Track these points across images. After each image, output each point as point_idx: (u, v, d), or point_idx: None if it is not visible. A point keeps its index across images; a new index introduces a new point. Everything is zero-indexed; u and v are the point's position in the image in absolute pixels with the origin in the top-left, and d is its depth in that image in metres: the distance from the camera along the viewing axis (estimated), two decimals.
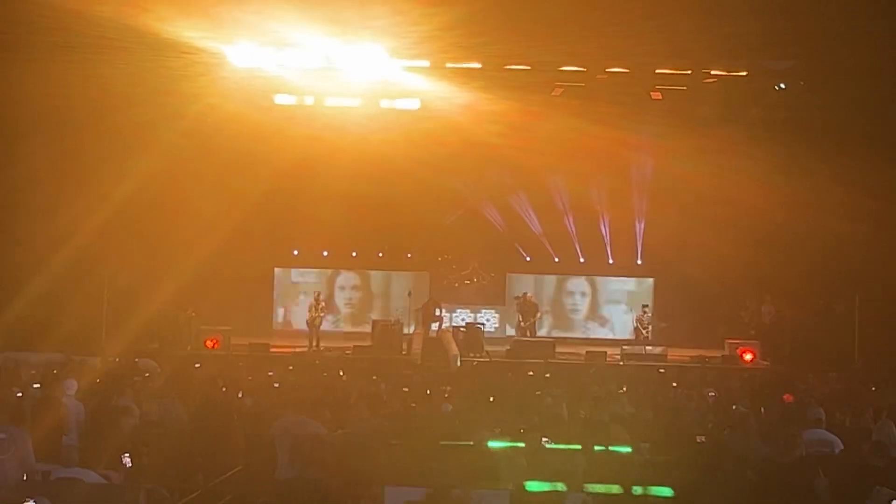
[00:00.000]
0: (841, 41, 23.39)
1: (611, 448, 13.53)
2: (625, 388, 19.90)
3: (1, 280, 25.78)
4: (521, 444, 13.62)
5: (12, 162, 25.58)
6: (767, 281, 30.56)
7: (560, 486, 11.49)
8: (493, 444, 13.75)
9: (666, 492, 11.56)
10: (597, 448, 13.33)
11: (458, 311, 33.75)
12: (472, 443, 13.79)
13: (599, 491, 11.64)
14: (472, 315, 33.61)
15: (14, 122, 25.44)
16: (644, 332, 31.12)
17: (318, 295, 31.63)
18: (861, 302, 28.29)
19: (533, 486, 11.52)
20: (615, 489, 11.63)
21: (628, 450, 13.65)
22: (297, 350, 29.12)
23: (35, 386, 17.28)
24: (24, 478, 11.60)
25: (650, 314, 31.53)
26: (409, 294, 32.58)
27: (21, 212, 26.55)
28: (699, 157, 28.76)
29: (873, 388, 20.80)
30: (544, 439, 13.56)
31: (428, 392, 18.59)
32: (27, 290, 24.59)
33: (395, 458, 12.62)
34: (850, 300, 28.49)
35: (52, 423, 13.36)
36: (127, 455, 12.40)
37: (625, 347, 29.89)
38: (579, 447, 13.43)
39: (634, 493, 11.53)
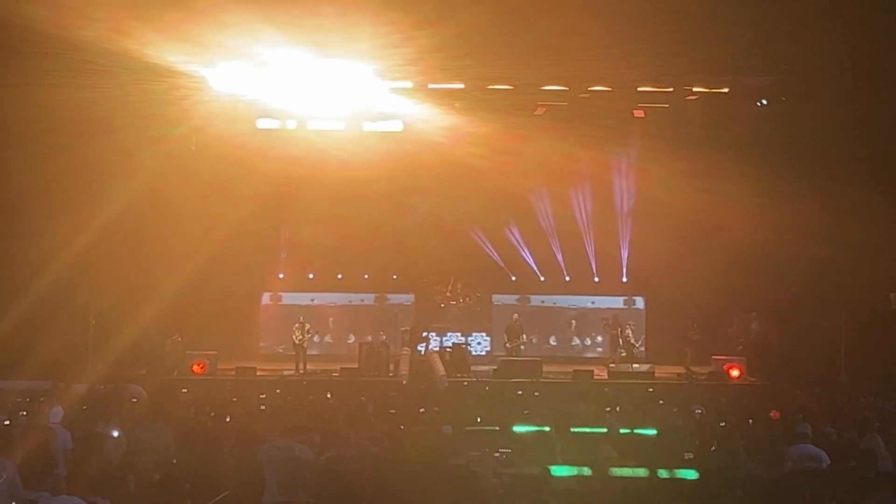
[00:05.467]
0: (821, 59, 23.52)
1: (636, 431, 13.55)
2: (617, 408, 19.79)
3: None
4: (547, 429, 13.63)
5: None
6: (753, 300, 30.61)
7: (586, 471, 11.49)
8: (518, 428, 13.73)
9: (691, 474, 11.56)
10: (622, 431, 13.34)
11: (449, 334, 33.69)
12: (497, 428, 13.76)
13: (625, 475, 11.65)
14: (462, 338, 33.54)
15: None
16: (621, 351, 30.97)
17: (304, 318, 31.61)
18: (847, 318, 28.35)
19: (559, 470, 11.52)
20: (641, 472, 11.62)
21: (653, 432, 13.66)
22: (285, 373, 29.05)
23: (22, 414, 17.20)
24: None
25: (632, 332, 31.45)
26: (395, 316, 32.62)
27: (3, 236, 26.47)
28: (683, 181, 28.89)
29: (860, 403, 20.83)
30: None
31: (421, 410, 18.58)
32: (10, 315, 24.47)
33: (385, 481, 12.60)
34: (836, 316, 28.55)
35: (39, 451, 13.31)
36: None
37: (612, 366, 29.93)
38: (605, 430, 13.43)
39: (660, 476, 11.52)
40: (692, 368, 29.42)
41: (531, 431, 13.83)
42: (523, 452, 12.81)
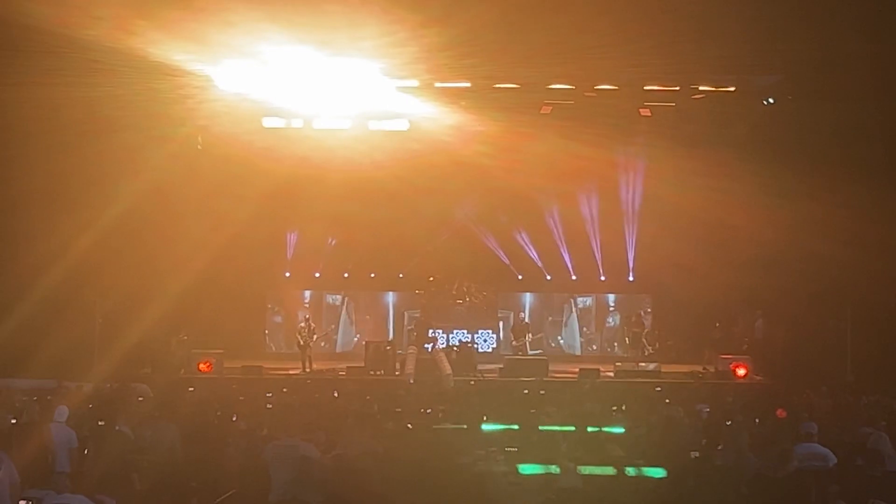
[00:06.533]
0: (827, 58, 23.49)
1: (604, 429, 13.52)
2: (623, 407, 19.74)
3: None
4: (515, 427, 13.60)
5: (1, 185, 25.51)
6: (759, 299, 30.56)
7: (553, 469, 11.46)
8: (486, 427, 13.70)
9: (659, 472, 11.53)
10: (590, 429, 13.31)
11: (456, 331, 33.70)
12: (465, 426, 13.71)
13: (593, 472, 11.61)
14: (468, 335, 33.57)
15: (2, 145, 25.39)
16: (650, 348, 30.97)
17: (310, 317, 31.62)
18: (853, 316, 28.28)
19: (526, 468, 11.49)
20: (609, 470, 11.60)
21: (621, 430, 13.63)
22: (291, 372, 29.02)
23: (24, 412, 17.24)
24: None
25: (656, 330, 31.39)
26: (403, 314, 32.63)
27: (10, 235, 26.46)
28: (689, 179, 28.85)
29: (865, 402, 20.79)
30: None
31: (428, 411, 18.54)
32: (16, 314, 24.48)
33: (390, 479, 12.58)
34: (843, 315, 28.48)
35: (41, 449, 13.34)
36: None
37: (618, 364, 29.87)
38: (573, 428, 13.39)
39: (628, 473, 11.49)
40: (709, 368, 29.29)
41: (498, 430, 13.80)
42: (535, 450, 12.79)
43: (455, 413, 18.08)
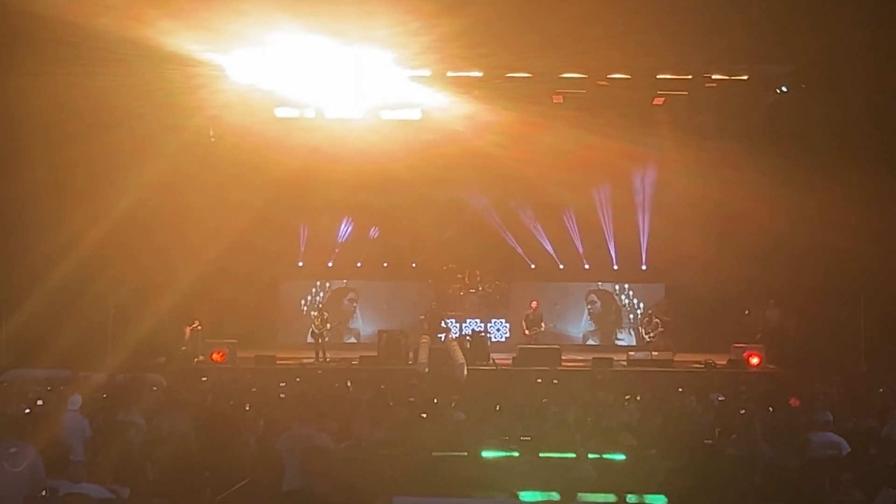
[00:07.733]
0: (841, 47, 23.38)
1: (605, 456, 13.46)
2: (637, 397, 19.68)
3: (3, 295, 25.76)
4: (516, 454, 13.54)
5: (13, 175, 25.52)
6: (772, 289, 30.48)
7: (554, 496, 11.43)
8: (486, 453, 13.64)
9: (660, 500, 11.49)
10: (591, 456, 13.24)
11: (469, 321, 33.75)
12: (465, 453, 13.70)
13: (593, 500, 11.58)
14: (481, 325, 33.62)
15: (14, 136, 25.40)
16: (646, 337, 30.92)
17: (323, 306, 31.64)
18: (866, 306, 28.22)
19: (527, 495, 11.45)
20: (610, 498, 11.56)
21: (622, 457, 13.57)
22: (304, 362, 29.04)
23: (40, 402, 17.27)
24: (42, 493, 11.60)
25: (654, 319, 31.24)
26: (415, 304, 32.65)
27: (22, 225, 26.49)
28: (702, 169, 28.80)
29: (880, 391, 20.75)
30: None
31: (435, 401, 18.52)
32: (29, 305, 24.53)
33: (404, 469, 12.58)
34: (856, 305, 28.42)
35: (53, 439, 13.34)
36: None
37: (631, 353, 29.84)
38: (574, 455, 13.33)
39: (629, 501, 11.45)
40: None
41: (499, 457, 13.71)
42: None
43: (469, 402, 18.11)
